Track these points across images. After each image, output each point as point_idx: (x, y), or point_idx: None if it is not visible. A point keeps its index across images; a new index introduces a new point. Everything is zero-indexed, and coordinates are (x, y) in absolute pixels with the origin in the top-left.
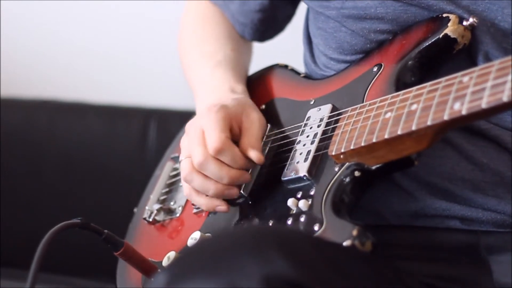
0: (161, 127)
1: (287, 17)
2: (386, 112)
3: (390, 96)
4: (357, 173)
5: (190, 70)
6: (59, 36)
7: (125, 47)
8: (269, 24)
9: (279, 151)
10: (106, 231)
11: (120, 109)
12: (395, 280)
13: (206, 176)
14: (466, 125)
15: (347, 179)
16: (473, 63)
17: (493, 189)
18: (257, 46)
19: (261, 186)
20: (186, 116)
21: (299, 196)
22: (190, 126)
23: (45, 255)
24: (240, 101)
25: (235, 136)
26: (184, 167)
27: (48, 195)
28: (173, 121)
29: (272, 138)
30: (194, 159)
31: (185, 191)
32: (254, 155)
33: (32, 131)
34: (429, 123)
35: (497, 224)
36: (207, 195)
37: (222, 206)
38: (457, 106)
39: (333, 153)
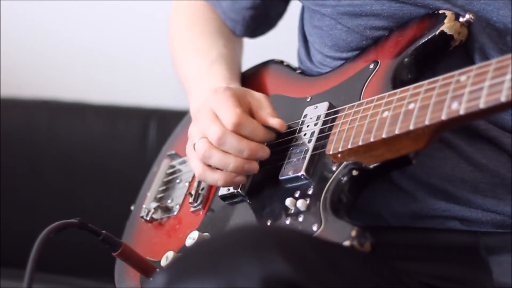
0: (161, 127)
1: (279, 14)
2: (383, 111)
3: (387, 94)
4: (355, 172)
5: (183, 67)
6: (59, 36)
7: (125, 47)
8: (260, 21)
9: (276, 150)
10: (104, 231)
11: (120, 109)
12: (395, 280)
13: (224, 151)
14: (464, 125)
15: (345, 178)
16: (470, 60)
17: (492, 190)
18: (249, 41)
19: (259, 185)
20: (186, 116)
21: (297, 195)
22: (197, 111)
23: (44, 254)
24: (240, 87)
25: None
26: (200, 147)
27: (48, 195)
28: (173, 121)
29: None
30: (212, 136)
31: (197, 171)
32: (276, 122)
33: (32, 131)
34: (427, 122)
35: (497, 225)
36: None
37: (240, 177)
38: (455, 105)
39: (331, 152)
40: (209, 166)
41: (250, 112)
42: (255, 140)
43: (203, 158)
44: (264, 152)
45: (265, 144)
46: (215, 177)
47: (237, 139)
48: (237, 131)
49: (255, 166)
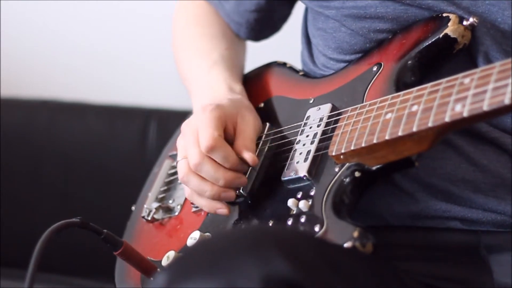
0: (161, 127)
1: (283, 17)
2: (386, 113)
3: (390, 96)
4: (357, 174)
5: (185, 69)
6: (59, 36)
7: (125, 47)
8: (265, 24)
9: (278, 151)
10: (105, 230)
11: (120, 109)
12: (396, 280)
13: (202, 178)
14: (466, 127)
15: (348, 180)
16: (474, 64)
17: (493, 190)
18: (253, 44)
19: (261, 186)
20: (186, 116)
21: (299, 196)
22: (186, 125)
23: (44, 254)
24: (236, 102)
25: (229, 137)
26: (181, 169)
27: (48, 195)
28: (173, 121)
29: (271, 137)
30: (190, 160)
31: (186, 192)
32: (249, 156)
33: (32, 131)
34: (430, 124)
35: (498, 224)
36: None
37: (223, 209)
38: (458, 108)
39: (333, 154)
40: None
41: (233, 135)
42: (226, 166)
43: (182, 181)
44: (241, 181)
45: (265, 147)
46: (201, 203)
47: (213, 168)
48: (210, 155)
49: (231, 195)
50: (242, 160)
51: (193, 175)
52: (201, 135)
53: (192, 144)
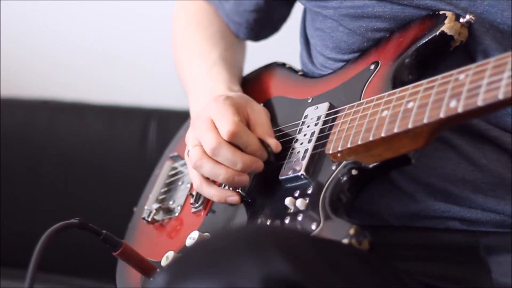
0: (161, 127)
1: (283, 17)
2: (382, 110)
3: (386, 94)
4: (354, 172)
5: (184, 68)
6: (59, 36)
7: (125, 47)
8: (264, 24)
9: None
10: (104, 231)
11: (120, 109)
12: (395, 280)
13: (217, 162)
14: (465, 124)
15: (344, 178)
16: (473, 62)
17: (493, 190)
18: (253, 44)
19: (259, 185)
20: (186, 116)
21: (296, 195)
22: (195, 119)
23: (43, 255)
24: (242, 95)
25: None
26: (193, 155)
27: (48, 195)
28: (173, 121)
29: None
30: (206, 145)
31: (195, 182)
32: (273, 142)
33: (32, 131)
34: (425, 121)
35: (497, 224)
36: (218, 185)
37: (233, 197)
38: (453, 103)
39: (330, 152)
40: (207, 179)
41: (247, 124)
42: (247, 151)
43: (195, 167)
44: (258, 165)
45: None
46: (211, 193)
47: (231, 151)
48: (232, 140)
49: (245, 179)
50: (262, 147)
51: (207, 159)
52: (221, 122)
53: (205, 130)
